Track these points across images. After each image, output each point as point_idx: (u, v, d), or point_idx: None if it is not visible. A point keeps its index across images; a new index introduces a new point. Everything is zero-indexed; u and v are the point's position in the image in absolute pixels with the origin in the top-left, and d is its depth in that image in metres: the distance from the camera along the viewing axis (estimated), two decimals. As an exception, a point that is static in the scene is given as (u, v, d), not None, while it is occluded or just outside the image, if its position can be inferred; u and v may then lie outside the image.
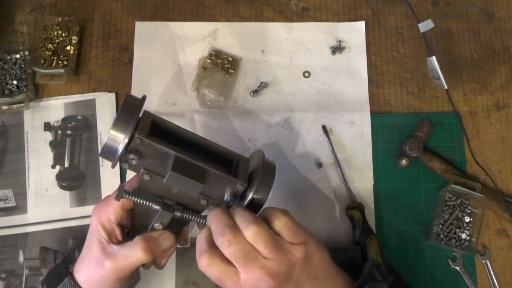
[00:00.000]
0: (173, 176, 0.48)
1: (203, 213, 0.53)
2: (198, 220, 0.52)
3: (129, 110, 0.49)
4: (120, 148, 0.48)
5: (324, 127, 0.72)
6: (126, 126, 0.48)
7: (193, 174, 0.49)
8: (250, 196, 0.51)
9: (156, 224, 0.52)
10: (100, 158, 0.71)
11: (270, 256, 0.47)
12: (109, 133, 0.48)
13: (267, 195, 0.52)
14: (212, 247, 0.48)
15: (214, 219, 0.49)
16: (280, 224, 0.49)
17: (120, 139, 0.48)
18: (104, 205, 0.54)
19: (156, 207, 0.51)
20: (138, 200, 0.50)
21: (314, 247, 0.50)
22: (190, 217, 0.52)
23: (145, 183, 0.50)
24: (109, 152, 0.48)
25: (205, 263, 0.47)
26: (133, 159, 0.48)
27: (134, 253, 0.51)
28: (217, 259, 0.47)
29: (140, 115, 0.50)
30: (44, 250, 0.64)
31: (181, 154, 0.49)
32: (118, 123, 0.48)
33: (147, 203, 0.51)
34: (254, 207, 0.52)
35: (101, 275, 0.52)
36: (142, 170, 0.49)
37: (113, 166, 0.51)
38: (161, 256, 0.56)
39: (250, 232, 0.47)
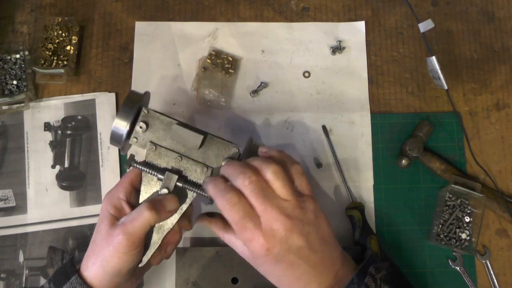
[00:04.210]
0: (177, 129, 0.56)
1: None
2: (201, 192, 0.56)
3: (130, 103, 0.57)
4: (125, 131, 0.56)
5: (324, 127, 0.72)
6: (128, 114, 0.56)
7: (194, 129, 0.56)
8: None
9: (162, 190, 0.55)
10: (100, 158, 0.71)
11: (287, 197, 0.49)
12: (115, 121, 0.56)
13: None
14: (234, 187, 0.49)
15: (231, 164, 0.52)
16: (295, 171, 0.52)
17: (123, 125, 0.56)
18: (114, 188, 0.57)
19: (160, 176, 0.55)
20: (145, 169, 0.56)
21: (320, 209, 0.52)
22: (193, 188, 0.56)
23: (151, 154, 0.56)
24: (116, 135, 0.56)
25: (234, 201, 0.48)
26: (141, 127, 0.56)
27: (140, 213, 0.52)
28: (243, 198, 0.48)
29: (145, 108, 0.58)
30: (52, 250, 0.65)
31: (182, 122, 0.57)
32: (122, 110, 0.56)
33: (153, 172, 0.55)
34: None
35: (111, 249, 0.52)
36: (149, 143, 0.56)
37: (124, 152, 0.59)
38: (169, 243, 0.57)
39: (271, 169, 0.49)
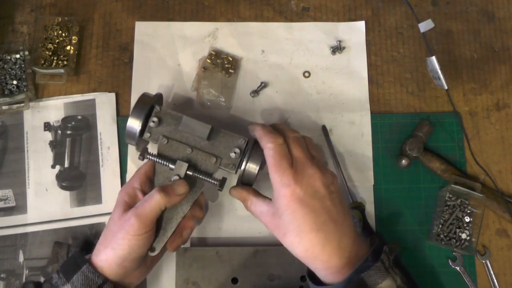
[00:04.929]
0: (186, 120, 0.60)
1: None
2: (210, 180, 0.59)
3: (141, 104, 0.62)
4: (138, 129, 0.60)
5: (324, 127, 0.72)
6: (140, 113, 0.61)
7: (201, 121, 0.61)
8: (245, 160, 0.60)
9: (174, 177, 0.58)
10: (100, 158, 0.71)
11: (316, 154, 0.58)
12: (128, 120, 0.60)
13: (259, 162, 0.59)
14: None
15: (280, 123, 0.62)
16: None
17: (136, 124, 0.60)
18: (129, 180, 0.60)
19: (172, 166, 0.59)
20: (158, 160, 0.59)
21: None
22: (204, 176, 0.59)
23: (163, 147, 0.60)
24: (130, 133, 0.61)
25: (279, 142, 0.56)
26: (153, 122, 0.60)
27: (151, 196, 0.56)
28: (286, 144, 0.57)
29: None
30: (58, 244, 0.66)
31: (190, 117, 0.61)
32: (134, 110, 0.61)
33: (165, 163, 0.59)
34: (248, 175, 0.60)
35: (123, 232, 0.54)
36: (161, 136, 0.60)
37: (138, 149, 0.63)
38: (184, 228, 0.60)
39: (309, 138, 0.60)
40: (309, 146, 0.58)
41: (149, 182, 0.60)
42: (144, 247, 0.55)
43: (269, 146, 0.55)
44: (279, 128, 0.59)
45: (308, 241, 0.51)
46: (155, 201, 0.55)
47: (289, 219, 0.52)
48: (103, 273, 0.54)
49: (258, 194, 0.59)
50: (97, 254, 0.55)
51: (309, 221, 0.51)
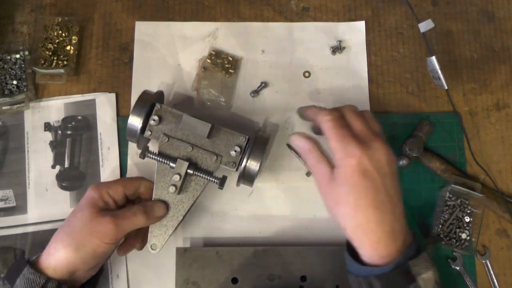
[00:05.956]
0: (186, 119, 0.61)
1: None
2: (211, 178, 0.60)
3: (142, 102, 0.62)
4: (139, 127, 0.61)
5: (288, 145, 0.70)
6: (141, 111, 0.61)
7: (201, 120, 0.61)
8: (245, 158, 0.60)
9: (174, 176, 0.59)
10: (100, 158, 0.71)
11: (378, 130, 0.54)
12: (129, 118, 0.61)
13: (260, 159, 0.60)
14: None
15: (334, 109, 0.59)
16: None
17: (137, 121, 0.61)
18: (108, 184, 0.60)
19: (172, 165, 0.60)
20: (158, 159, 0.60)
21: None
22: (204, 175, 0.60)
23: (164, 145, 0.61)
24: (131, 131, 0.61)
25: (338, 114, 0.53)
26: (154, 120, 0.61)
27: (134, 214, 0.57)
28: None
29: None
30: (3, 250, 0.66)
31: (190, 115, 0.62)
32: (135, 108, 0.61)
33: (166, 161, 0.60)
34: (249, 172, 0.61)
35: (96, 235, 0.54)
36: (162, 134, 0.61)
37: (139, 147, 0.64)
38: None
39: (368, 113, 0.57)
40: (369, 121, 0.54)
41: (124, 197, 0.60)
42: (107, 255, 0.57)
43: (326, 119, 0.52)
44: (339, 108, 0.56)
45: (363, 217, 0.49)
46: (137, 219, 0.57)
47: (347, 190, 0.50)
48: (51, 272, 0.54)
49: (323, 151, 0.55)
50: (52, 252, 0.55)
51: (369, 196, 0.49)
